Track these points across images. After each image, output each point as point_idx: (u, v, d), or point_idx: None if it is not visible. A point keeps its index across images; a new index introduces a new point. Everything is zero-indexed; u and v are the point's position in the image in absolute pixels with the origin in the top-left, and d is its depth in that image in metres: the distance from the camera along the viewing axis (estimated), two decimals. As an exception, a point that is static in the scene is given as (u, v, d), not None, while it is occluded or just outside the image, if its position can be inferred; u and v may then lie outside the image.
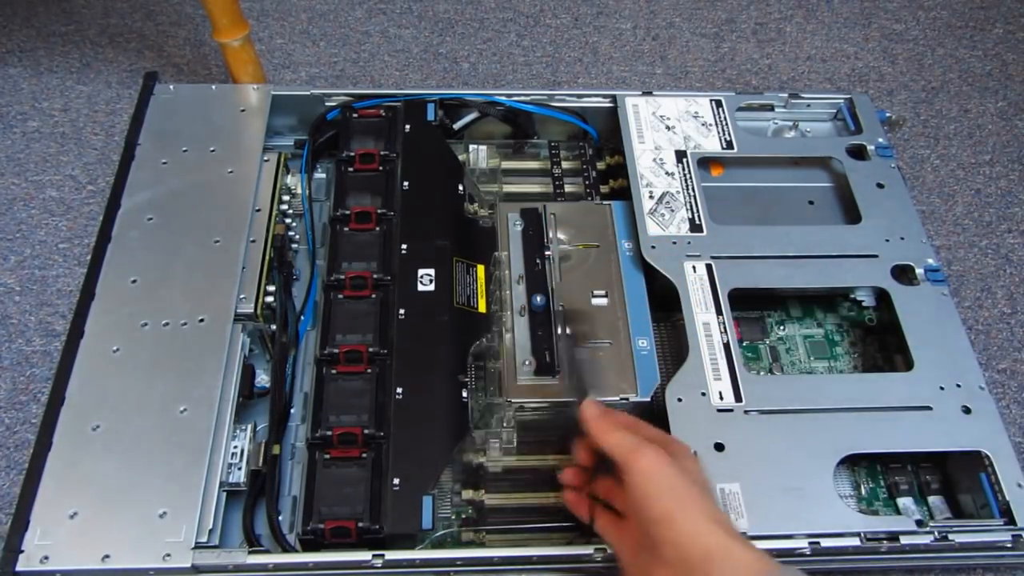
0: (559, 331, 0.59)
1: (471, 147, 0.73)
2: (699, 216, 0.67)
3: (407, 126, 0.70)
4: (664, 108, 0.74)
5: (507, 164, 0.74)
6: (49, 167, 0.81)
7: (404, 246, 0.63)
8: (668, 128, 0.72)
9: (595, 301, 0.62)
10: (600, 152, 0.75)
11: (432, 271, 0.62)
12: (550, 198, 0.71)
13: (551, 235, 0.65)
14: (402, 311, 0.60)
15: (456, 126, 0.74)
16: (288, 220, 0.69)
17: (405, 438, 0.54)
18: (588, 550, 0.51)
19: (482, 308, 0.62)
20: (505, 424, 0.57)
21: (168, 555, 0.49)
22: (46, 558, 0.48)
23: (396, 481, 0.52)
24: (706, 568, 0.41)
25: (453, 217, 0.66)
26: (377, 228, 0.64)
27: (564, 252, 0.65)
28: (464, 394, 0.57)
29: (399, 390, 0.56)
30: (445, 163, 0.69)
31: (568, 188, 0.72)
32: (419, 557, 0.52)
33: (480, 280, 0.64)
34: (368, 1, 1.00)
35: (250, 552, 0.50)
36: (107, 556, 0.48)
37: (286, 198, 0.69)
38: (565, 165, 0.73)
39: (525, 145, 0.75)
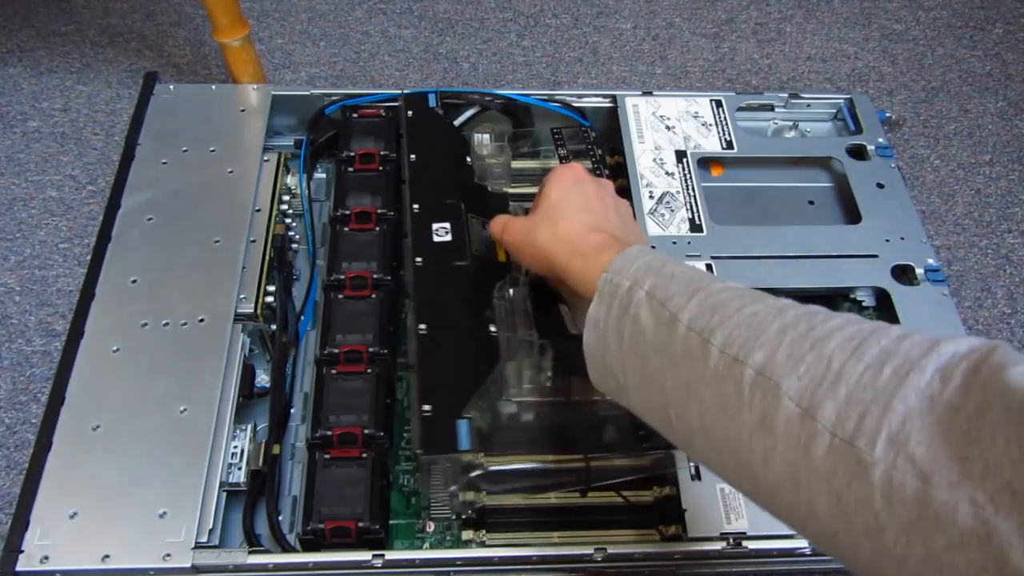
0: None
1: (475, 136, 0.72)
2: (699, 216, 0.67)
3: (409, 112, 0.69)
4: (664, 108, 0.74)
5: (513, 165, 0.74)
6: (49, 167, 0.81)
7: (416, 206, 0.61)
8: (668, 128, 0.72)
9: (595, 301, 0.62)
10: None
11: (448, 224, 0.60)
12: None
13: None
14: (419, 259, 0.58)
15: (456, 122, 0.74)
16: (288, 220, 0.69)
17: (432, 368, 0.53)
18: (588, 550, 0.51)
19: (501, 257, 0.60)
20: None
21: (168, 555, 0.49)
22: (46, 558, 0.48)
23: (427, 408, 0.51)
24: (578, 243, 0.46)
25: (463, 183, 0.65)
26: (377, 228, 0.64)
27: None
28: (492, 328, 0.55)
29: (422, 326, 0.54)
30: (450, 139, 0.69)
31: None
32: (419, 557, 0.52)
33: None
34: (368, 1, 1.00)
35: (250, 552, 0.50)
36: (107, 556, 0.48)
37: (286, 198, 0.69)
38: (570, 146, 0.73)
39: (527, 139, 0.75)
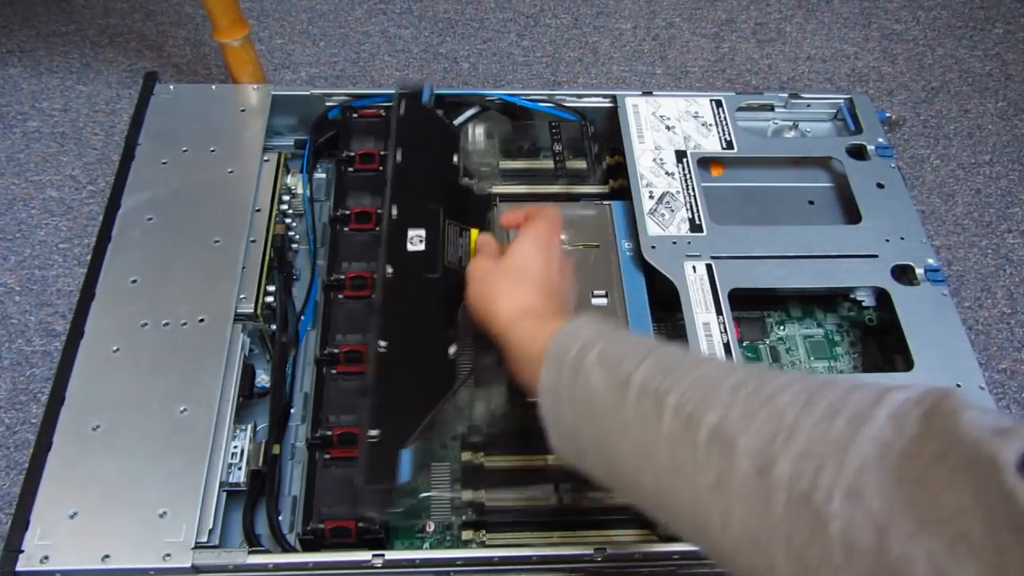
0: None
1: (469, 129, 0.72)
2: (699, 216, 0.67)
3: (402, 107, 0.68)
4: (664, 108, 0.74)
5: (507, 164, 0.74)
6: (49, 167, 0.81)
7: (395, 209, 0.60)
8: (668, 128, 0.72)
9: (595, 301, 0.62)
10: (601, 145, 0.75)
11: (423, 231, 0.58)
12: (551, 175, 0.71)
13: (551, 235, 0.65)
14: (390, 269, 0.56)
15: (456, 122, 0.74)
16: (288, 220, 0.69)
17: (387, 389, 0.52)
18: (588, 550, 0.51)
19: None
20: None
21: (168, 555, 0.49)
22: (46, 558, 0.48)
23: (374, 433, 0.50)
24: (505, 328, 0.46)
25: (447, 184, 0.64)
26: (377, 228, 0.64)
27: (564, 252, 0.65)
28: (452, 350, 0.54)
29: (382, 343, 0.53)
30: (440, 135, 0.67)
31: (570, 165, 0.72)
32: (419, 557, 0.52)
33: (473, 243, 0.61)
34: (368, 1, 1.00)
35: (250, 552, 0.50)
36: (107, 556, 0.48)
37: (286, 198, 0.69)
38: (566, 138, 0.73)
39: (526, 139, 0.75)
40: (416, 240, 0.58)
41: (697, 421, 0.33)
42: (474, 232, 0.62)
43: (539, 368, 0.42)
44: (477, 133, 0.72)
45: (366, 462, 0.49)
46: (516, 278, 0.49)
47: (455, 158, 0.66)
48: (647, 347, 0.39)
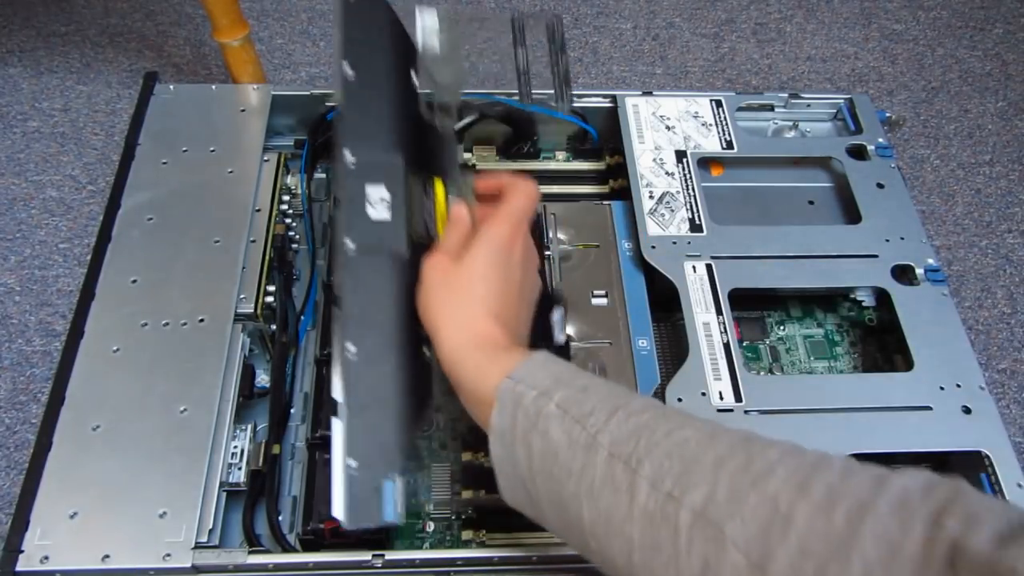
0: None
1: (417, 21, 0.51)
2: (699, 216, 0.67)
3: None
4: (664, 108, 0.74)
5: (507, 166, 0.74)
6: (49, 167, 0.81)
7: (352, 157, 0.46)
8: (668, 128, 0.72)
9: (595, 301, 0.62)
10: (600, 152, 0.75)
11: (385, 191, 0.46)
12: (551, 176, 0.72)
13: (551, 235, 0.65)
14: (351, 244, 0.44)
15: (456, 127, 0.73)
16: (288, 220, 0.69)
17: (360, 406, 0.43)
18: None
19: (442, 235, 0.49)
20: None
21: (168, 555, 0.49)
22: (46, 558, 0.48)
23: (353, 463, 0.41)
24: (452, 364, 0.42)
25: (407, 119, 0.51)
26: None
27: (564, 252, 0.65)
28: (427, 351, 0.47)
29: (351, 348, 0.43)
30: (397, 45, 0.53)
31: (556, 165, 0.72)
32: (419, 557, 0.52)
33: (439, 200, 0.51)
34: (368, 1, 1.01)
35: (250, 552, 0.50)
36: (107, 556, 0.48)
37: (286, 198, 0.69)
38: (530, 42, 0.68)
39: (525, 140, 0.75)
40: (380, 204, 0.46)
41: (678, 500, 0.31)
42: (438, 184, 0.51)
43: (489, 410, 0.39)
44: (429, 31, 0.51)
45: (346, 501, 0.40)
46: (466, 297, 0.43)
47: (414, 78, 0.52)
48: (613, 399, 0.36)
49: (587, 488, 0.34)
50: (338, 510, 0.40)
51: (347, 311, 0.44)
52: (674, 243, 0.65)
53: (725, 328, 0.60)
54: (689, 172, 0.69)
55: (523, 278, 0.47)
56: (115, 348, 0.57)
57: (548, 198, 0.71)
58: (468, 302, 0.43)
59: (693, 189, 0.68)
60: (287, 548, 0.53)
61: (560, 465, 0.35)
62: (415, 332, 0.46)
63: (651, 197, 0.68)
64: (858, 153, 0.73)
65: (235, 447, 0.55)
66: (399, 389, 0.44)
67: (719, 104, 0.74)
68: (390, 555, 0.51)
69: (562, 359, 0.41)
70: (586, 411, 0.35)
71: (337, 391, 0.42)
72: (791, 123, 0.78)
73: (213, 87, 0.73)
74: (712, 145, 0.72)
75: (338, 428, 0.41)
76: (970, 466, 0.57)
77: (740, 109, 0.75)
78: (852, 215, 0.70)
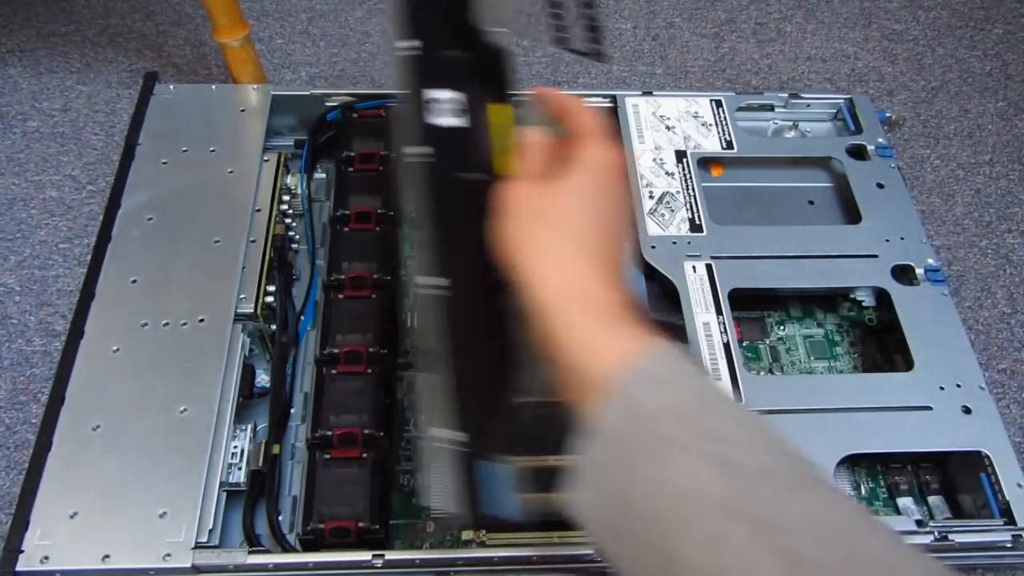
0: None
1: None
2: (699, 216, 0.67)
3: None
4: (664, 108, 0.74)
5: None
6: (49, 167, 0.81)
7: (417, 43, 0.37)
8: (668, 128, 0.72)
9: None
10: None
11: (454, 94, 0.37)
12: None
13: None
14: (428, 149, 0.34)
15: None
16: (288, 220, 0.69)
17: (465, 364, 0.35)
18: (588, 550, 0.51)
19: (503, 169, 0.39)
20: None
21: (168, 555, 0.49)
22: (46, 558, 0.48)
23: (460, 437, 0.36)
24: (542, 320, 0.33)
25: (472, 28, 0.42)
26: (377, 228, 0.64)
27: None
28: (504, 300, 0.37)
29: (442, 281, 0.35)
30: None
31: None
32: (419, 557, 0.52)
33: (500, 128, 0.40)
34: (368, 1, 1.00)
35: (250, 552, 0.50)
36: (107, 556, 0.48)
37: (286, 198, 0.69)
38: None
39: None
40: (448, 108, 0.36)
41: None
42: (497, 112, 0.40)
43: (591, 395, 0.31)
44: None
45: (460, 490, 0.33)
46: (567, 230, 0.35)
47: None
48: (770, 451, 0.27)
49: (714, 563, 0.25)
50: (447, 500, 0.33)
51: (433, 237, 0.35)
52: (674, 243, 0.65)
53: (725, 328, 0.60)
54: (689, 172, 0.69)
55: (623, 218, 0.39)
56: (115, 348, 0.57)
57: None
58: (567, 237, 0.35)
59: (693, 189, 0.68)
60: (287, 548, 0.53)
61: (680, 516, 0.27)
62: (490, 271, 0.36)
63: (651, 197, 0.68)
64: (858, 153, 0.73)
65: (235, 447, 0.55)
66: (495, 336, 0.36)
67: (719, 104, 0.74)
68: (390, 555, 0.51)
69: (690, 353, 0.33)
70: (735, 458, 0.27)
71: (433, 335, 0.33)
72: (791, 123, 0.78)
73: (213, 87, 0.73)
74: (712, 145, 0.72)
75: (438, 383, 0.32)
76: (970, 466, 0.57)
77: (740, 109, 0.75)
78: (852, 215, 0.70)
